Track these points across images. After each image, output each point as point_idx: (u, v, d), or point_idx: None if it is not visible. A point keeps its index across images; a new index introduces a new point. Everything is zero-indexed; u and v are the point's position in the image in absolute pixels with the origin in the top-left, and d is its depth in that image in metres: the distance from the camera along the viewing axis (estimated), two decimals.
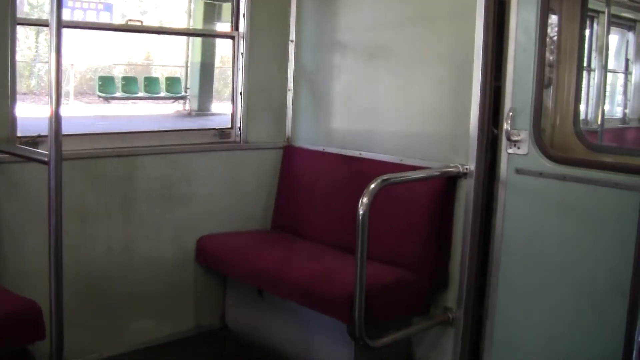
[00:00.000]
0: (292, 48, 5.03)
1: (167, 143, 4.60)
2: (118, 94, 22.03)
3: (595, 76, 4.98)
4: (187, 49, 23.41)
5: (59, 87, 3.07)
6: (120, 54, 24.44)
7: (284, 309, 4.40)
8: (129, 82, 22.31)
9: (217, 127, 4.92)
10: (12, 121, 3.84)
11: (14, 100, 3.83)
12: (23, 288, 3.61)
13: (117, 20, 22.78)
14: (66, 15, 20.36)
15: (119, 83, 22.21)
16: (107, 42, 22.72)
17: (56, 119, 3.07)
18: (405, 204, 4.11)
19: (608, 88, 5.22)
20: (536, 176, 3.65)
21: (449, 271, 4.06)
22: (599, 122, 5.01)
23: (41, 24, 4.07)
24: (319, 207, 4.68)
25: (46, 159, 3.13)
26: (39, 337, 3.26)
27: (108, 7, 22.55)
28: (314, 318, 4.06)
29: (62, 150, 3.11)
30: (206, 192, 4.72)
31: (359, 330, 3.49)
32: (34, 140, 3.97)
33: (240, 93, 4.89)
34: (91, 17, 21.36)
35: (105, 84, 21.79)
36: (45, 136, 3.45)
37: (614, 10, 5.08)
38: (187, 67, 23.55)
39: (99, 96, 21.69)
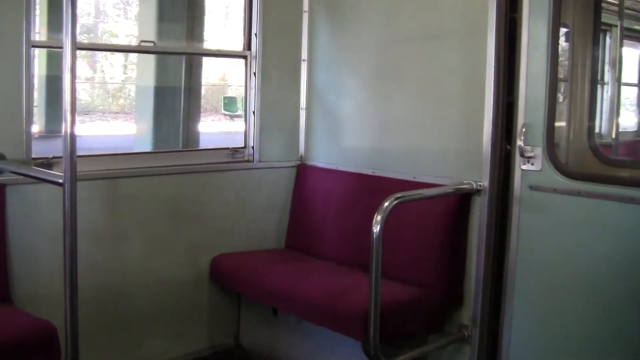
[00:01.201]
0: (304, 67, 5.05)
1: (181, 163, 4.62)
2: (239, 112, 24.14)
3: (609, 89, 4.95)
4: None
5: (74, 108, 3.09)
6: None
7: (298, 328, 4.39)
8: None
9: (230, 146, 4.93)
10: (28, 143, 3.87)
11: (29, 123, 3.86)
12: (38, 309, 3.62)
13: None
14: None
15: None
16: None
17: (71, 140, 3.08)
18: (419, 222, 4.10)
19: (622, 101, 5.19)
20: (550, 192, 3.63)
21: (464, 288, 4.03)
22: (614, 136, 4.97)
23: (56, 46, 4.11)
24: (332, 225, 4.67)
25: (61, 180, 3.14)
26: (55, 358, 3.27)
27: None
28: (328, 336, 4.04)
29: (76, 172, 3.13)
30: (220, 211, 4.73)
31: (374, 348, 3.47)
32: (49, 162, 4.00)
33: (253, 112, 4.91)
34: None
35: (230, 104, 24.18)
36: (60, 157, 3.48)
37: (627, 23, 5.06)
38: None
39: (224, 114, 23.99)
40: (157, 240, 4.44)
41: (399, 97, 4.44)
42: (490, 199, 3.88)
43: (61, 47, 3.08)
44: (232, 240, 4.78)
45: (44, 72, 20.87)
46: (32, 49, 3.87)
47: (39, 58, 21.26)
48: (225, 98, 24.37)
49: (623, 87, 5.10)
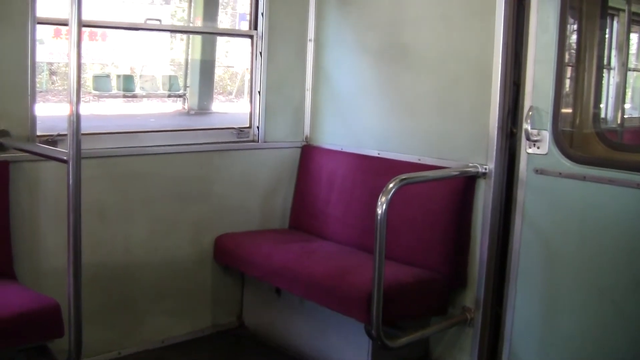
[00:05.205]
0: (310, 47, 5.03)
1: (186, 142, 4.61)
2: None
3: (616, 74, 4.92)
4: None
5: (79, 86, 3.08)
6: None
7: (301, 308, 4.40)
8: None
9: (235, 125, 4.92)
10: (32, 120, 3.86)
11: (34, 100, 3.85)
12: (42, 286, 3.65)
13: None
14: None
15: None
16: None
17: (76, 117, 3.08)
18: (423, 204, 4.10)
19: (629, 86, 5.16)
20: (556, 176, 3.62)
21: (468, 271, 4.04)
22: (619, 121, 4.95)
23: (61, 23, 4.09)
24: (337, 206, 4.67)
25: (66, 158, 3.15)
26: (58, 335, 3.28)
27: None
28: (331, 317, 4.05)
29: (81, 149, 3.13)
30: (224, 191, 4.73)
31: (377, 329, 3.48)
32: (54, 139, 4.00)
33: (259, 92, 4.89)
34: None
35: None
36: (65, 135, 3.48)
37: (635, 8, 5.02)
38: None
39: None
40: (161, 219, 4.45)
41: (405, 79, 4.42)
42: (496, 182, 3.87)
43: (66, 24, 3.07)
44: (236, 220, 4.78)
45: (197, 57, 21.21)
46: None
47: (193, 44, 21.56)
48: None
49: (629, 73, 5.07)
